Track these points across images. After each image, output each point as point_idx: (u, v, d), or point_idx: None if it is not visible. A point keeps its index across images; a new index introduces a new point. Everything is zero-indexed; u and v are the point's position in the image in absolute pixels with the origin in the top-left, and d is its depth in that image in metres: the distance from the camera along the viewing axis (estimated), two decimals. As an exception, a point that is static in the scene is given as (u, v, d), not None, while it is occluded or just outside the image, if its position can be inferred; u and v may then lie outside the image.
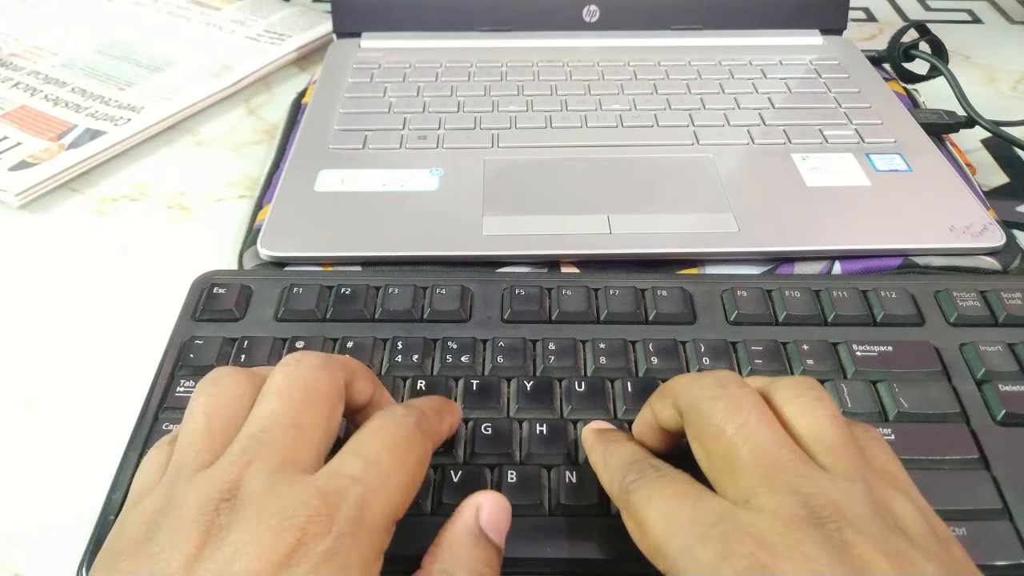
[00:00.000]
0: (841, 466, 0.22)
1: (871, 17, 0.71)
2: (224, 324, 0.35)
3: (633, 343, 0.34)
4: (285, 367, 0.24)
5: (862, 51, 0.57)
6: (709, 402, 0.24)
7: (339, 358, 0.26)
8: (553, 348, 0.34)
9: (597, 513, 0.28)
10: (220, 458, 0.22)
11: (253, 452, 0.22)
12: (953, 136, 0.50)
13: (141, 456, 0.30)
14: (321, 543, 0.20)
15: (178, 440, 0.24)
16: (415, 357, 0.33)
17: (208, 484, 0.21)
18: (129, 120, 0.52)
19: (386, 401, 0.28)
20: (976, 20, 0.71)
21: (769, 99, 0.52)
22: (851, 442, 0.23)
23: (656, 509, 0.23)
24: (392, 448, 0.23)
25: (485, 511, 0.25)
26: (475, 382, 0.32)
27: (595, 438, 0.28)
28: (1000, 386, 0.32)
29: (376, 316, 0.35)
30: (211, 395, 0.24)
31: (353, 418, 0.27)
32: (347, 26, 0.58)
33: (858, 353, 0.33)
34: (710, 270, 0.40)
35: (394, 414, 0.25)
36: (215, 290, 0.36)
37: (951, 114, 0.50)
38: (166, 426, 0.31)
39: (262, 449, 0.22)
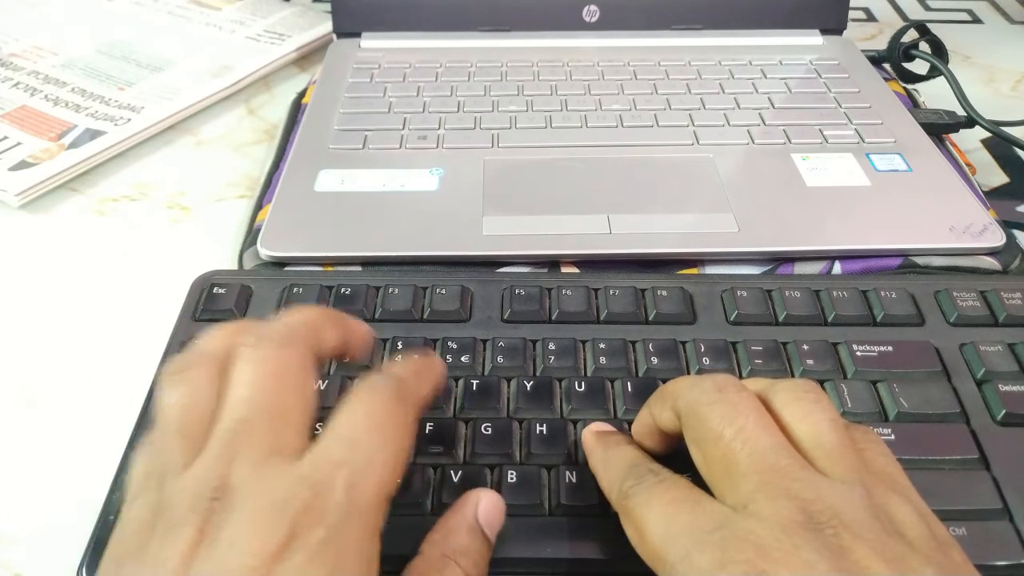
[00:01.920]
0: (839, 470, 0.22)
1: (871, 17, 0.71)
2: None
3: (633, 343, 0.34)
4: (251, 350, 0.24)
5: (862, 51, 0.57)
6: (707, 406, 0.24)
7: (298, 323, 0.26)
8: (553, 348, 0.34)
9: (597, 513, 0.28)
10: (203, 453, 0.22)
11: (236, 446, 0.22)
12: (953, 136, 0.50)
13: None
14: (315, 533, 0.20)
15: (156, 441, 0.23)
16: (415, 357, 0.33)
17: (196, 483, 0.21)
18: (129, 120, 0.52)
19: (357, 337, 0.28)
20: (976, 20, 0.70)
21: (769, 99, 0.51)
22: (849, 446, 0.23)
23: (655, 515, 0.23)
24: (374, 425, 0.23)
25: (483, 507, 0.26)
26: (475, 382, 0.32)
27: (595, 441, 0.28)
28: (1000, 386, 0.32)
29: (376, 316, 0.35)
30: (180, 393, 0.23)
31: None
32: (347, 26, 0.58)
33: (858, 353, 0.33)
34: (710, 270, 0.40)
35: (372, 386, 0.24)
36: (215, 290, 0.36)
37: (951, 114, 0.50)
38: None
39: (244, 442, 0.22)
